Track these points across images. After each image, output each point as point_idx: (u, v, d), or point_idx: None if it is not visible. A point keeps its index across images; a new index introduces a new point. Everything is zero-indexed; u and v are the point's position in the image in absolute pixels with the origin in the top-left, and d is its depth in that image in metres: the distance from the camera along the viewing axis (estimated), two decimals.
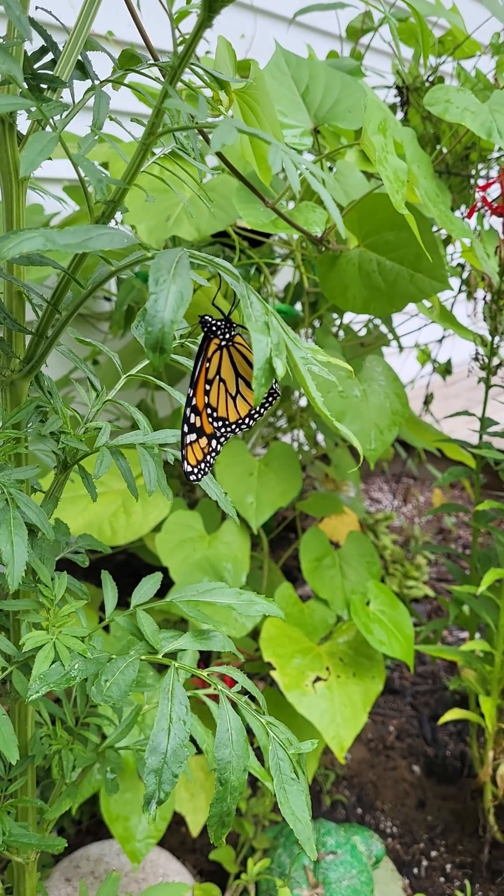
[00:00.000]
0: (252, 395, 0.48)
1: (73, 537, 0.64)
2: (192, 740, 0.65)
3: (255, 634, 1.20)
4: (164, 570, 1.09)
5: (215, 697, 0.48)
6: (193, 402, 0.47)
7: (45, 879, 0.98)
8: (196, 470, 0.47)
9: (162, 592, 0.58)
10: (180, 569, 1.08)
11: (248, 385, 0.49)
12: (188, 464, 0.47)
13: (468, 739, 1.37)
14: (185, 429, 0.46)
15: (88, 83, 0.50)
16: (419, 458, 2.19)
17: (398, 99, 1.24)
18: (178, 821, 1.16)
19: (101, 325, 1.55)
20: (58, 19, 0.56)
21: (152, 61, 0.50)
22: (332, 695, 1.03)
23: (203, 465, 0.48)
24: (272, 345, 0.36)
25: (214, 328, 0.47)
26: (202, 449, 0.47)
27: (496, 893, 1.10)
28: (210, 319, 0.47)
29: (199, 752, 1.14)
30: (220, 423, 0.48)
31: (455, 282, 1.52)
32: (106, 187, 0.43)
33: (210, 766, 0.46)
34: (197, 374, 0.47)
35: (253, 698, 0.52)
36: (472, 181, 1.22)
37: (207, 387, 0.47)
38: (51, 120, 0.45)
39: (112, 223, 0.52)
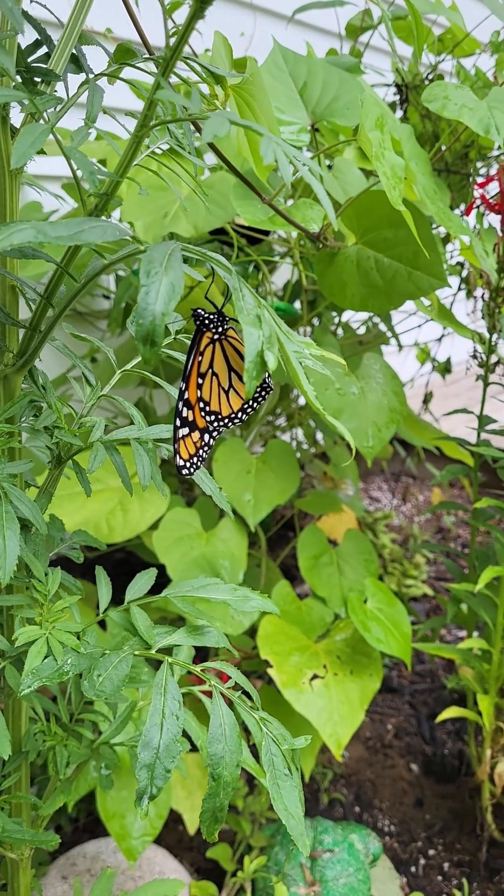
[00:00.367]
0: (245, 388, 0.48)
1: (69, 533, 0.64)
2: (188, 737, 0.65)
3: (252, 632, 1.20)
4: (162, 568, 1.09)
5: (210, 694, 0.48)
6: (186, 396, 0.47)
7: (42, 877, 0.98)
8: (188, 464, 0.47)
9: (159, 590, 0.58)
10: (177, 566, 1.08)
11: (241, 379, 0.48)
12: (180, 458, 0.46)
13: (466, 738, 1.37)
14: (178, 423, 0.46)
15: (83, 77, 0.50)
16: (418, 457, 2.19)
17: (398, 97, 1.24)
18: (175, 818, 1.16)
19: (99, 323, 1.55)
20: (52, 13, 0.56)
21: (148, 56, 0.50)
22: (329, 693, 1.03)
23: (195, 460, 0.48)
24: (264, 338, 0.36)
25: (207, 321, 0.47)
26: (195, 443, 0.47)
27: (494, 892, 1.10)
28: (203, 313, 0.47)
29: (196, 749, 1.13)
30: (213, 418, 0.48)
31: (454, 280, 1.52)
32: (98, 180, 0.43)
33: (204, 762, 0.46)
34: (189, 367, 0.47)
35: (248, 695, 0.52)
36: (470, 179, 1.22)
37: (200, 381, 0.47)
38: (44, 113, 0.45)
39: (111, 220, 0.52)
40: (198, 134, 0.76)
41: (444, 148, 1.14)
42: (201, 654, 1.25)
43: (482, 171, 1.25)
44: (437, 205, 0.90)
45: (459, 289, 1.47)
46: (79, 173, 0.44)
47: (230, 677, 0.52)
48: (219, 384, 0.48)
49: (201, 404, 0.47)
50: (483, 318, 1.11)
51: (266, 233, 1.22)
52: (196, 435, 0.47)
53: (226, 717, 0.45)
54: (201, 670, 0.49)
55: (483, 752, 1.10)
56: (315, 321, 1.43)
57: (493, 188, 1.09)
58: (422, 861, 1.15)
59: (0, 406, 0.50)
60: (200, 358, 0.47)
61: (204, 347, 0.47)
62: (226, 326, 0.48)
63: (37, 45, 0.49)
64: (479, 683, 1.10)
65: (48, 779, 0.93)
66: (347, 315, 1.50)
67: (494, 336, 1.10)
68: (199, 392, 0.47)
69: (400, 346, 1.53)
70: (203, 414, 0.48)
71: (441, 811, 1.24)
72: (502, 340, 1.12)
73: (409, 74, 1.22)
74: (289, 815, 0.45)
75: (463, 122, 0.84)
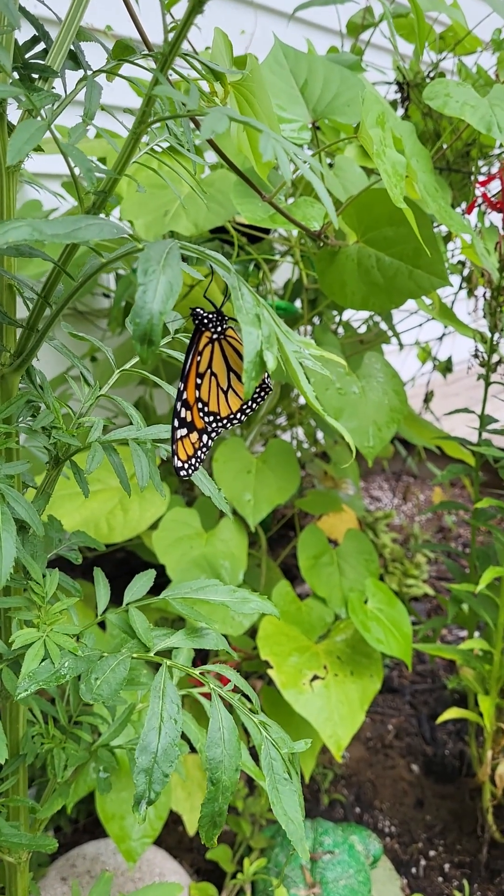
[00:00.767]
0: (243, 389, 0.48)
1: (67, 534, 0.63)
2: (187, 738, 0.65)
3: (253, 633, 1.19)
4: (162, 568, 1.08)
5: (209, 696, 0.48)
6: (184, 397, 0.46)
7: (41, 878, 0.97)
8: (186, 465, 0.47)
9: (159, 590, 0.57)
10: (177, 566, 1.08)
11: (240, 379, 0.48)
12: (178, 459, 0.46)
13: (467, 738, 1.37)
14: (176, 423, 0.46)
15: (81, 74, 0.50)
16: (419, 456, 2.18)
17: (399, 95, 1.23)
18: (174, 820, 1.16)
19: (99, 323, 1.54)
20: (51, 10, 0.55)
21: (146, 52, 0.49)
22: (329, 693, 1.03)
23: (194, 460, 0.47)
24: (263, 337, 0.35)
25: (206, 321, 0.47)
26: (193, 444, 0.47)
27: (495, 893, 1.09)
28: (201, 312, 0.47)
29: (195, 750, 1.13)
30: (212, 418, 0.48)
31: (455, 279, 1.51)
32: (96, 178, 0.42)
33: (203, 765, 0.46)
34: (188, 367, 0.46)
35: (247, 697, 0.51)
36: (472, 177, 1.22)
37: (199, 381, 0.47)
38: (41, 110, 0.44)
39: (107, 217, 0.51)
40: (198, 132, 0.76)
41: (445, 146, 1.13)
42: (201, 654, 1.24)
43: (483, 169, 1.25)
44: (439, 203, 0.90)
45: (461, 287, 1.47)
46: (77, 171, 0.44)
47: (229, 679, 0.52)
48: (217, 384, 0.47)
49: (200, 405, 0.47)
50: (484, 316, 1.11)
51: (266, 231, 1.22)
52: (194, 436, 0.47)
53: (225, 721, 0.45)
54: (200, 673, 0.48)
55: (484, 754, 1.09)
56: (316, 320, 1.42)
57: (495, 186, 1.08)
58: (422, 862, 1.15)
59: None
60: (199, 358, 0.47)
61: (203, 347, 0.47)
62: (225, 326, 0.47)
63: (34, 41, 0.48)
64: (480, 684, 1.09)
65: (46, 781, 0.92)
66: (348, 314, 1.50)
67: (496, 335, 1.10)
68: (197, 392, 0.47)
69: (401, 345, 1.52)
70: (201, 415, 0.47)
71: (442, 812, 1.24)
72: None
73: (410, 72, 1.21)
74: (288, 819, 0.44)
75: (465, 119, 0.84)
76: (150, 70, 0.50)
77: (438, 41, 1.23)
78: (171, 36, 0.39)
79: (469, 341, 1.16)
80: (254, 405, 0.49)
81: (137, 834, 0.92)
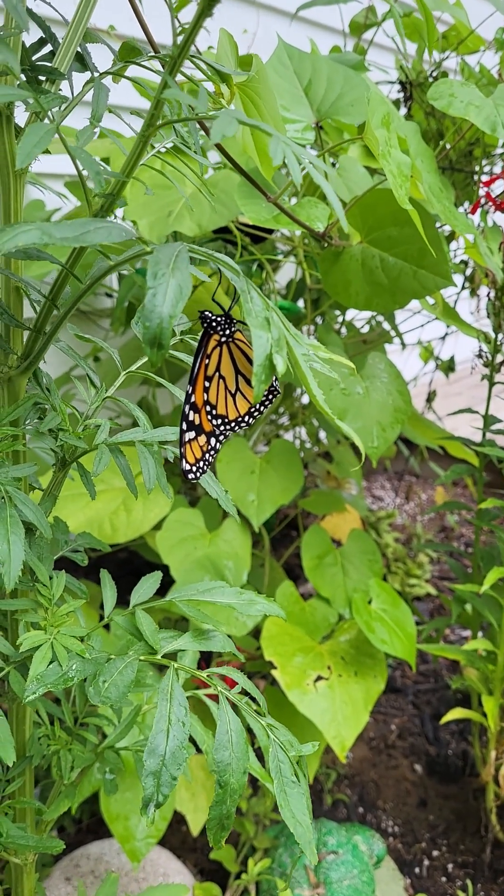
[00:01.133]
0: (252, 393, 0.48)
1: (73, 535, 0.63)
2: (192, 740, 0.65)
3: (256, 633, 1.19)
4: (165, 568, 1.08)
5: (215, 697, 0.48)
6: (192, 400, 0.46)
7: (45, 878, 0.98)
8: (195, 468, 0.46)
9: (163, 590, 0.57)
10: (181, 567, 1.08)
11: (248, 382, 0.48)
12: (187, 462, 0.46)
13: (470, 738, 1.37)
14: (184, 426, 0.46)
15: (88, 76, 0.50)
16: (422, 456, 2.18)
17: (401, 94, 1.23)
18: (178, 820, 1.16)
19: (102, 322, 1.54)
20: (57, 11, 0.55)
21: (153, 54, 0.49)
22: (333, 694, 1.03)
23: (202, 464, 0.47)
24: (273, 341, 0.35)
25: (214, 324, 0.47)
26: (201, 447, 0.47)
27: (498, 893, 1.09)
28: (210, 315, 0.47)
29: (200, 751, 1.13)
30: (220, 421, 0.48)
31: (458, 278, 1.51)
32: (104, 180, 0.42)
33: (210, 767, 0.45)
34: (196, 370, 0.46)
35: (254, 699, 0.51)
36: (475, 177, 1.21)
37: (207, 384, 0.47)
38: (49, 112, 0.44)
39: (115, 219, 0.51)
40: (202, 132, 0.76)
41: (448, 145, 1.13)
42: (205, 654, 1.24)
43: (486, 168, 1.24)
44: (443, 203, 0.90)
45: (463, 287, 1.47)
46: (84, 173, 0.44)
47: (236, 682, 0.52)
48: (226, 387, 0.47)
49: (208, 408, 0.47)
50: (488, 316, 1.10)
51: (270, 231, 1.21)
52: (202, 439, 0.47)
53: (232, 724, 0.45)
54: (207, 675, 0.48)
55: (488, 754, 1.09)
56: (319, 320, 1.42)
57: (499, 186, 1.08)
58: (426, 862, 1.15)
59: (4, 408, 0.49)
60: (207, 361, 0.47)
61: (211, 350, 0.47)
62: (233, 329, 0.47)
63: (41, 43, 0.48)
64: (483, 684, 1.09)
65: (52, 781, 0.92)
66: (351, 313, 1.50)
67: (500, 335, 1.10)
68: (205, 395, 0.47)
69: (403, 345, 1.52)
70: (210, 417, 0.47)
71: (445, 812, 1.24)
72: None
73: (413, 71, 1.21)
74: (296, 822, 0.44)
75: (469, 119, 0.84)
76: (155, 72, 0.50)
77: (441, 40, 1.23)
78: (179, 39, 0.39)
79: (471, 340, 1.16)
80: (262, 408, 0.49)
81: (142, 834, 0.92)
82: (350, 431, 0.44)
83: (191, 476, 0.46)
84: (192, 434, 0.46)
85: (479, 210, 1.06)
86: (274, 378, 0.48)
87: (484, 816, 1.18)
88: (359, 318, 1.55)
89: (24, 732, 0.58)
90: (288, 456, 1.23)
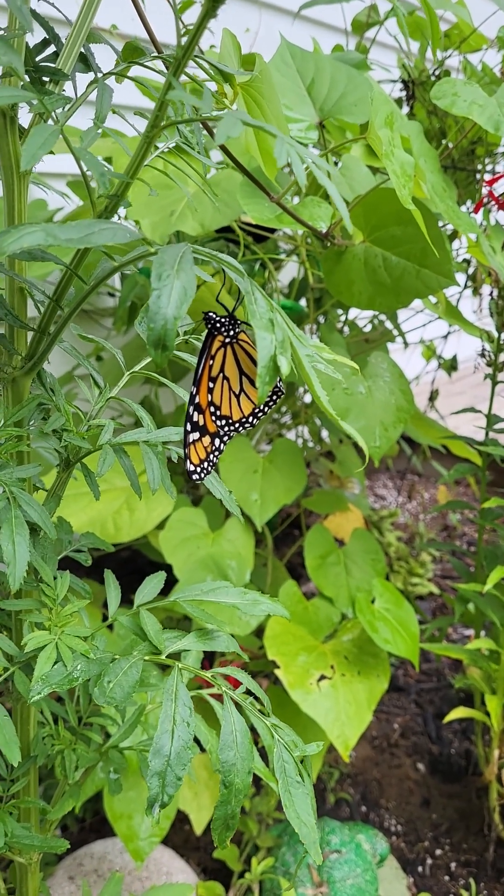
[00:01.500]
0: (256, 394, 0.48)
1: (77, 535, 0.64)
2: (196, 740, 0.65)
3: (259, 632, 1.19)
4: (168, 567, 1.08)
5: (219, 697, 0.48)
6: (197, 401, 0.46)
7: (49, 877, 0.98)
8: (199, 469, 0.46)
9: (166, 589, 0.57)
10: (184, 566, 1.08)
11: (252, 383, 0.48)
12: (191, 463, 0.46)
13: (473, 737, 1.37)
14: (188, 427, 0.46)
15: (91, 76, 0.50)
16: (424, 455, 2.18)
17: (404, 93, 1.23)
18: (181, 818, 1.16)
19: (104, 321, 1.54)
20: (60, 11, 0.55)
21: (156, 54, 0.49)
22: (336, 693, 1.03)
23: (206, 464, 0.47)
24: (277, 342, 0.35)
25: (218, 325, 0.47)
26: (205, 448, 0.47)
27: (501, 892, 1.10)
28: (214, 316, 0.47)
29: (203, 750, 1.13)
30: (224, 422, 0.48)
31: (461, 277, 1.51)
32: (108, 181, 0.42)
33: (214, 767, 0.46)
34: (200, 371, 0.46)
35: (258, 699, 0.51)
36: (478, 176, 1.21)
37: (211, 384, 0.47)
38: (53, 113, 0.44)
39: (115, 218, 0.51)
40: (206, 132, 0.76)
41: (451, 145, 1.13)
42: (209, 654, 1.25)
43: (489, 167, 1.24)
44: (446, 202, 0.90)
45: (466, 286, 1.47)
46: (88, 174, 0.44)
47: (240, 682, 0.52)
48: (230, 388, 0.47)
49: (212, 408, 0.47)
50: (490, 315, 1.10)
51: (272, 230, 1.21)
52: (207, 440, 0.47)
53: (237, 724, 0.45)
54: (211, 676, 0.48)
55: (491, 753, 1.09)
56: (321, 319, 1.42)
57: (501, 185, 1.08)
58: (429, 861, 1.15)
59: (9, 409, 0.49)
60: (212, 362, 0.47)
61: (215, 351, 0.47)
62: (237, 330, 0.47)
63: (45, 43, 0.48)
64: (486, 683, 1.09)
65: (55, 780, 0.92)
66: (353, 312, 1.49)
67: (502, 334, 1.09)
68: (209, 396, 0.47)
69: (406, 344, 1.52)
70: (214, 418, 0.47)
71: (448, 811, 1.24)
72: None
73: (415, 70, 1.21)
74: (301, 822, 0.44)
75: (472, 118, 0.84)
76: (158, 71, 0.50)
77: (444, 39, 1.23)
78: (183, 40, 0.39)
79: (474, 339, 1.15)
80: (266, 409, 0.49)
81: (145, 833, 0.93)
82: (353, 432, 0.44)
83: (195, 477, 0.46)
84: (196, 435, 0.46)
85: (481, 209, 1.06)
86: (278, 379, 0.48)
87: (487, 815, 1.18)
88: (361, 316, 1.55)
89: (29, 732, 0.58)
90: (291, 455, 1.23)
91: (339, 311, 1.43)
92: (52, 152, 0.48)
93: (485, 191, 1.05)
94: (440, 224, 1.16)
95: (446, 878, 1.12)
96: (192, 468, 0.46)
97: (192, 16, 1.34)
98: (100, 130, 0.46)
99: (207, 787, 1.07)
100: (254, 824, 1.07)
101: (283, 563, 1.38)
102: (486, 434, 1.13)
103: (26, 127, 0.47)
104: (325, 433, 1.58)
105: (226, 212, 1.02)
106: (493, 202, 1.03)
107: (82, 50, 0.49)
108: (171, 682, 0.45)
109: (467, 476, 1.42)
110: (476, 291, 1.48)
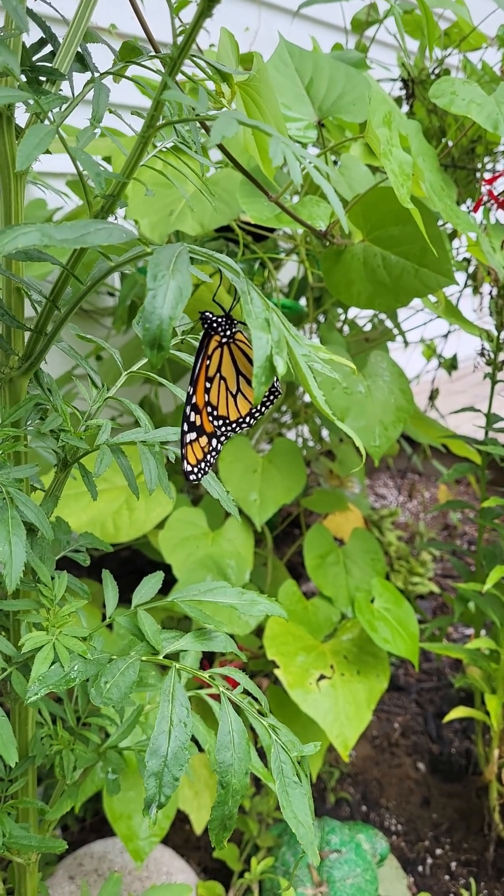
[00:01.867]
0: (253, 394, 0.47)
1: (75, 534, 0.64)
2: (195, 740, 0.65)
3: (259, 631, 1.19)
4: (168, 567, 1.08)
5: (218, 697, 0.48)
6: (193, 401, 0.46)
7: (49, 877, 0.98)
8: (196, 469, 0.46)
9: (166, 589, 0.57)
10: (183, 566, 1.08)
11: (250, 383, 0.48)
12: (188, 463, 0.46)
13: (473, 737, 1.37)
14: (185, 427, 0.45)
15: (88, 76, 0.50)
16: (425, 454, 2.18)
17: (403, 92, 1.23)
18: (181, 818, 1.16)
19: (104, 321, 1.54)
20: (57, 11, 0.55)
21: (153, 53, 0.49)
22: (336, 693, 1.03)
23: (203, 465, 0.47)
24: (273, 342, 0.35)
25: (215, 325, 0.47)
26: (202, 448, 0.47)
27: (501, 891, 1.09)
28: (211, 316, 0.47)
29: (203, 750, 1.13)
30: (221, 422, 0.47)
31: (461, 276, 1.51)
32: (105, 181, 0.42)
33: (212, 767, 0.45)
34: (197, 371, 0.46)
35: (256, 699, 0.51)
36: (477, 175, 1.21)
37: (208, 385, 0.47)
38: (49, 113, 0.44)
39: (115, 218, 0.51)
40: (204, 131, 0.76)
41: (450, 143, 1.13)
42: (208, 654, 1.24)
43: (489, 166, 1.24)
44: (445, 201, 0.90)
45: (466, 285, 1.46)
46: (84, 174, 0.44)
47: (238, 682, 0.52)
48: (227, 388, 0.47)
49: (209, 409, 0.47)
50: (490, 314, 1.10)
51: (272, 229, 1.21)
52: (204, 440, 0.47)
53: (234, 725, 0.45)
54: (209, 676, 0.48)
55: (491, 752, 1.09)
56: (321, 318, 1.42)
57: (501, 184, 1.08)
58: (429, 860, 1.15)
59: (6, 409, 0.49)
60: (208, 362, 0.47)
61: (212, 351, 0.47)
62: (234, 330, 0.47)
63: (42, 43, 0.48)
64: (486, 683, 1.09)
65: (55, 780, 0.92)
66: (353, 311, 1.49)
67: (502, 333, 1.09)
68: (206, 396, 0.47)
69: (406, 343, 1.52)
70: (211, 418, 0.47)
71: (448, 810, 1.24)
72: None
73: (415, 69, 1.20)
74: (299, 823, 0.44)
75: (471, 117, 0.83)
76: (156, 71, 0.50)
77: (443, 37, 1.23)
78: (179, 39, 0.39)
79: (474, 338, 1.15)
80: (263, 409, 0.49)
81: (145, 833, 0.93)
82: (351, 433, 0.44)
83: (192, 478, 0.46)
84: (193, 435, 0.46)
85: (481, 208, 1.06)
86: (275, 378, 0.48)
87: (487, 815, 1.18)
88: (361, 315, 1.55)
89: (27, 733, 0.58)
90: (290, 455, 1.23)
91: (339, 311, 1.43)
92: (48, 151, 0.48)
93: (484, 189, 1.04)
94: (439, 223, 1.16)
95: (446, 877, 1.12)
96: (189, 468, 0.46)
97: (190, 14, 1.34)
98: (97, 130, 0.46)
99: (208, 787, 1.07)
100: (254, 824, 1.07)
101: (283, 562, 1.38)
102: (486, 433, 1.13)
103: (24, 127, 0.47)
104: (325, 432, 1.58)
105: (225, 211, 1.02)
106: (492, 201, 1.03)
107: (79, 49, 0.49)
108: (168, 683, 0.45)
109: (468, 475, 1.42)
110: (476, 290, 1.48)
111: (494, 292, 1.09)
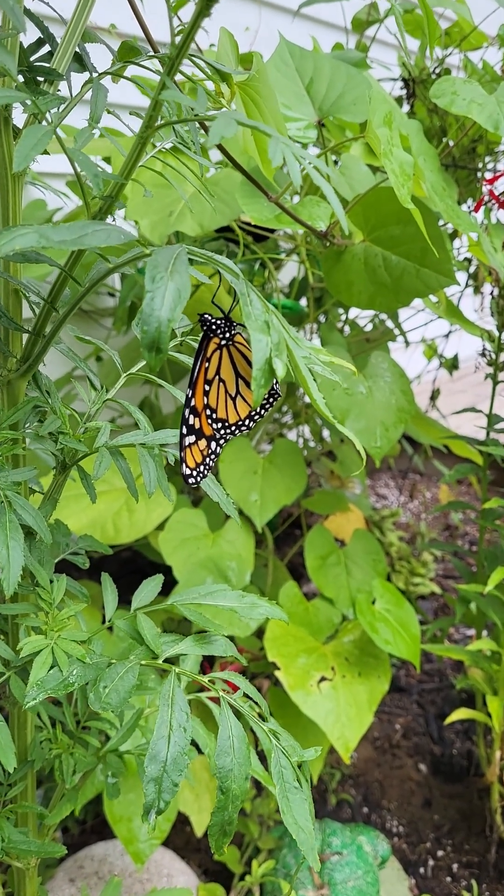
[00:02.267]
0: (252, 396, 0.47)
1: (75, 536, 0.63)
2: (195, 743, 0.64)
3: (260, 633, 1.19)
4: (169, 568, 1.08)
5: (218, 700, 0.47)
6: (192, 404, 0.46)
7: (49, 880, 0.97)
8: (195, 473, 0.46)
9: (167, 589, 0.57)
10: (184, 568, 1.07)
11: (249, 385, 0.47)
12: (187, 466, 0.45)
13: (475, 738, 1.36)
14: (184, 430, 0.45)
15: (87, 76, 0.49)
16: (426, 454, 2.17)
17: (404, 91, 1.22)
18: (182, 820, 1.15)
19: (104, 321, 1.54)
20: (55, 10, 0.55)
21: (152, 53, 0.49)
22: (337, 695, 1.03)
23: (202, 468, 0.47)
24: (272, 344, 0.35)
25: (214, 327, 0.46)
26: (201, 451, 0.46)
27: (503, 893, 1.09)
28: (209, 318, 0.46)
29: (203, 753, 1.13)
30: (220, 425, 0.47)
31: (462, 276, 1.50)
32: (103, 182, 0.42)
33: (212, 772, 0.45)
34: (196, 374, 0.46)
35: (256, 703, 0.51)
36: (478, 174, 1.21)
37: (207, 387, 0.46)
38: (47, 113, 0.44)
39: (114, 219, 0.51)
40: (203, 132, 0.75)
41: (451, 143, 1.12)
42: (209, 657, 1.24)
43: (490, 165, 1.24)
44: (446, 201, 0.89)
45: (467, 285, 1.46)
46: (83, 174, 0.43)
47: (238, 686, 0.51)
48: (226, 391, 0.47)
49: (208, 411, 0.46)
50: (491, 314, 1.10)
51: (272, 230, 1.21)
52: (203, 443, 0.46)
53: (234, 730, 0.44)
54: (209, 681, 0.48)
55: (492, 754, 1.09)
56: (322, 318, 1.41)
57: (502, 184, 1.07)
58: (431, 862, 1.15)
59: (4, 412, 0.49)
60: (207, 364, 0.46)
61: (211, 353, 0.46)
62: (233, 332, 0.47)
63: (39, 43, 0.48)
64: (488, 684, 1.09)
65: (54, 784, 0.92)
66: (354, 312, 1.49)
67: (503, 333, 1.09)
68: (205, 399, 0.46)
69: (407, 343, 1.52)
70: (210, 421, 0.47)
71: (450, 812, 1.24)
72: None
73: (415, 68, 1.20)
74: (299, 828, 0.44)
75: (472, 117, 0.83)
76: (155, 71, 0.50)
77: (444, 37, 1.22)
78: (177, 39, 0.38)
79: (475, 338, 1.15)
80: (263, 412, 0.49)
81: (145, 835, 0.92)
82: (352, 435, 0.43)
83: (191, 481, 0.46)
84: (192, 438, 0.46)
85: (482, 208, 1.05)
86: (274, 381, 0.48)
87: (489, 816, 1.18)
88: (362, 316, 1.54)
89: (26, 737, 0.57)
90: (291, 455, 1.23)
91: (340, 311, 1.43)
92: (47, 152, 0.48)
93: (485, 189, 1.04)
94: (440, 223, 1.16)
95: (448, 879, 1.12)
96: (189, 472, 0.46)
97: (188, 13, 1.34)
98: (95, 131, 0.46)
99: (208, 789, 1.07)
100: (255, 826, 1.07)
101: (284, 563, 1.38)
102: (488, 434, 1.13)
103: (21, 127, 0.47)
104: (326, 432, 1.57)
105: (225, 211, 1.01)
106: (493, 201, 1.03)
107: (77, 49, 0.49)
108: (167, 688, 0.45)
109: (469, 476, 1.42)
110: (477, 290, 1.48)
111: (495, 292, 1.08)
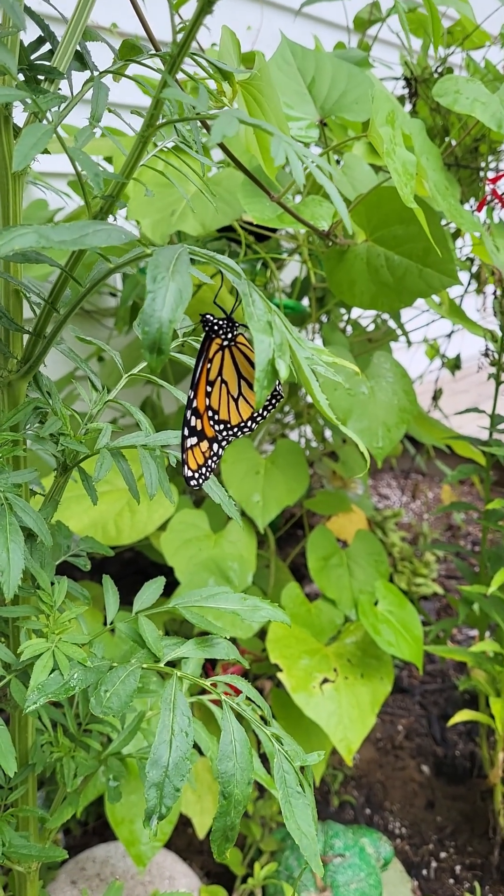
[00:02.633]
0: (254, 397, 0.47)
1: (76, 537, 0.63)
2: (197, 746, 0.64)
3: (262, 634, 1.19)
4: (171, 569, 1.08)
5: (219, 703, 0.47)
6: (194, 405, 0.45)
7: (51, 882, 0.97)
8: (197, 474, 0.46)
9: (168, 590, 0.57)
10: (186, 569, 1.07)
11: (251, 386, 0.47)
12: (188, 468, 0.45)
13: (478, 739, 1.36)
14: (186, 432, 0.45)
15: (88, 74, 0.49)
16: (428, 454, 2.17)
17: (406, 91, 1.22)
18: (184, 822, 1.15)
19: (106, 322, 1.53)
20: (56, 8, 0.54)
21: (154, 52, 0.48)
22: (339, 696, 1.02)
23: (204, 470, 0.46)
24: (275, 345, 0.35)
25: (216, 327, 0.46)
26: (203, 453, 0.46)
27: None
28: (212, 318, 0.46)
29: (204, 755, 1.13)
30: (222, 427, 0.47)
31: (464, 276, 1.50)
32: (104, 181, 0.42)
33: (214, 776, 0.45)
34: (198, 375, 0.45)
35: (259, 707, 0.51)
36: (481, 174, 1.20)
37: (209, 388, 0.46)
38: (48, 112, 0.43)
39: (115, 219, 0.50)
40: (205, 131, 0.75)
41: (454, 142, 1.12)
42: (210, 659, 1.24)
43: (493, 165, 1.23)
44: (448, 201, 0.89)
45: (469, 284, 1.45)
46: (83, 173, 0.43)
47: (241, 689, 0.51)
48: (228, 392, 0.46)
49: (210, 413, 0.46)
50: (494, 314, 1.09)
51: (274, 230, 1.20)
52: (205, 444, 0.46)
53: (236, 734, 0.44)
54: (211, 684, 0.47)
55: (495, 755, 1.09)
56: (324, 318, 1.41)
57: None
58: (433, 864, 1.14)
59: (4, 413, 0.49)
60: (209, 365, 0.46)
61: (213, 354, 0.46)
62: (235, 332, 0.46)
63: (40, 41, 0.47)
64: (491, 686, 1.08)
65: (56, 786, 0.92)
66: (356, 312, 1.49)
67: None
68: (207, 400, 0.46)
69: (409, 343, 1.51)
70: (212, 423, 0.46)
71: (452, 813, 1.23)
72: None
73: (418, 67, 1.20)
74: (301, 834, 0.44)
75: (475, 116, 0.83)
76: (156, 70, 0.49)
77: (446, 36, 1.22)
78: (179, 37, 0.38)
79: (478, 337, 1.15)
80: (265, 413, 0.48)
81: (147, 838, 0.92)
82: (354, 436, 0.43)
83: (193, 483, 0.45)
84: (193, 440, 0.45)
85: (485, 207, 1.05)
86: (277, 382, 0.47)
87: (492, 818, 1.18)
88: (364, 316, 1.54)
89: (27, 740, 0.57)
90: (293, 456, 1.22)
91: (342, 311, 1.42)
92: (47, 151, 0.47)
93: (488, 188, 1.04)
94: (443, 222, 1.15)
95: (451, 881, 1.11)
96: (190, 474, 0.45)
97: (190, 11, 1.34)
98: (96, 130, 0.46)
99: (211, 791, 1.07)
100: (257, 828, 1.07)
101: (286, 563, 1.38)
102: (490, 434, 1.12)
103: (22, 126, 0.47)
104: (328, 433, 1.57)
105: (227, 211, 1.01)
106: (496, 200, 1.02)
107: (78, 48, 0.49)
108: (168, 692, 0.44)
109: (472, 476, 1.41)
110: (480, 290, 1.47)
111: (498, 292, 1.08)
